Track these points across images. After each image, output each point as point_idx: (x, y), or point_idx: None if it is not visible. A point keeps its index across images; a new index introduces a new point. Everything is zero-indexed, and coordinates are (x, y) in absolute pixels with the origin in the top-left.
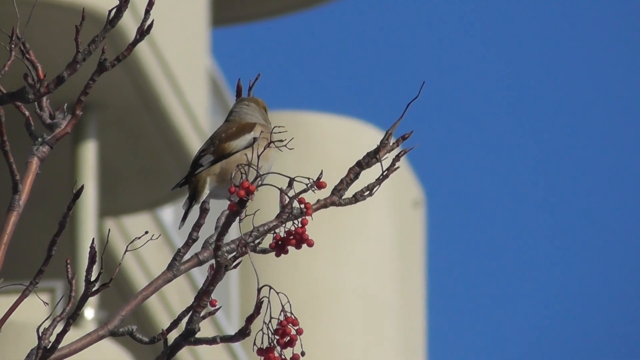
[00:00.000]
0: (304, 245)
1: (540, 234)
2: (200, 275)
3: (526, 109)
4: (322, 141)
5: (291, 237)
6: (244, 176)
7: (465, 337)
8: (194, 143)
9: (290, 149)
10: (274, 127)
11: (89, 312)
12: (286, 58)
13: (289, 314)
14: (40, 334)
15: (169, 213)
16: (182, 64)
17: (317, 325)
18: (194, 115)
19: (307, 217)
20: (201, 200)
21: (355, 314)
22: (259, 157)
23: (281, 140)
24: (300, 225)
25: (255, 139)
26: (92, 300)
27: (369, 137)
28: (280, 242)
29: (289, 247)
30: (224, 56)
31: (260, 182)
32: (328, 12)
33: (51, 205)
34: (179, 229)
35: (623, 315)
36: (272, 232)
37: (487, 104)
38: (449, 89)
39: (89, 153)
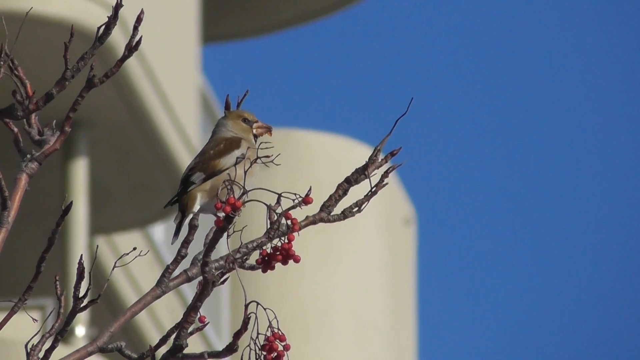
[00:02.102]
0: (295, 263)
1: (532, 251)
2: (190, 291)
3: (516, 125)
4: (312, 159)
5: (277, 253)
6: (230, 193)
7: (456, 354)
8: (185, 160)
9: (277, 164)
10: (261, 143)
11: (80, 330)
12: (276, 75)
13: (276, 330)
14: (29, 350)
15: (160, 230)
16: (173, 81)
17: (307, 342)
18: (184, 132)
19: (294, 233)
20: (192, 214)
21: (345, 332)
22: (245, 172)
23: (268, 156)
24: (286, 241)
25: (242, 155)
26: (83, 317)
27: (359, 154)
28: (266, 258)
29: (277, 264)
30: (214, 73)
31: (246, 199)
32: (317, 31)
33: (42, 222)
34: (172, 244)
35: (612, 318)
36: (260, 248)
37: (477, 120)
38: (438, 105)
39: (79, 170)
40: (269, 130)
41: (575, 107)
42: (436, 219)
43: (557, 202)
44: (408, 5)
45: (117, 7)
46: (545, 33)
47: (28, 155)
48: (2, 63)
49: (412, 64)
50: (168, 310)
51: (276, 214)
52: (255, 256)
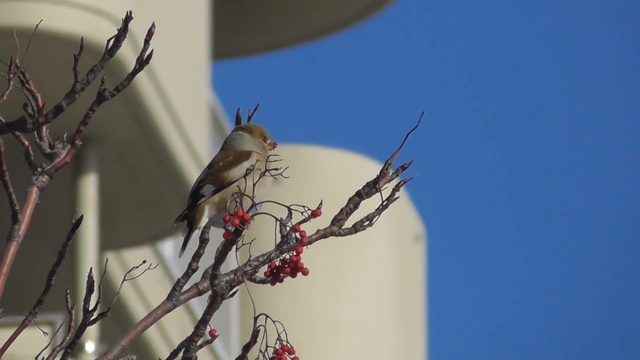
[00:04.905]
0: (304, 278)
1: (543, 268)
2: (199, 306)
3: (529, 142)
4: (322, 175)
5: (286, 265)
6: (238, 205)
7: None
8: (194, 176)
9: (286, 177)
10: (270, 156)
11: (90, 345)
12: (286, 92)
13: (284, 343)
14: None
15: (169, 246)
16: (183, 97)
17: (315, 357)
18: (194, 148)
19: (302, 246)
20: (200, 228)
21: (354, 348)
22: (254, 185)
23: (277, 169)
24: (295, 253)
25: (252, 167)
26: (93, 333)
27: (369, 170)
28: (275, 271)
29: (287, 278)
30: (224, 89)
31: (255, 211)
32: (327, 47)
33: (52, 240)
34: (179, 257)
35: (617, 317)
36: (270, 261)
37: (488, 137)
38: (448, 122)
39: (89, 186)
40: (274, 146)
41: (588, 122)
42: (446, 236)
43: (570, 220)
44: (416, 21)
45: (127, 19)
46: (567, 55)
47: (39, 169)
48: (11, 76)
49: (422, 80)
50: (177, 326)
51: (286, 227)
52: (265, 269)
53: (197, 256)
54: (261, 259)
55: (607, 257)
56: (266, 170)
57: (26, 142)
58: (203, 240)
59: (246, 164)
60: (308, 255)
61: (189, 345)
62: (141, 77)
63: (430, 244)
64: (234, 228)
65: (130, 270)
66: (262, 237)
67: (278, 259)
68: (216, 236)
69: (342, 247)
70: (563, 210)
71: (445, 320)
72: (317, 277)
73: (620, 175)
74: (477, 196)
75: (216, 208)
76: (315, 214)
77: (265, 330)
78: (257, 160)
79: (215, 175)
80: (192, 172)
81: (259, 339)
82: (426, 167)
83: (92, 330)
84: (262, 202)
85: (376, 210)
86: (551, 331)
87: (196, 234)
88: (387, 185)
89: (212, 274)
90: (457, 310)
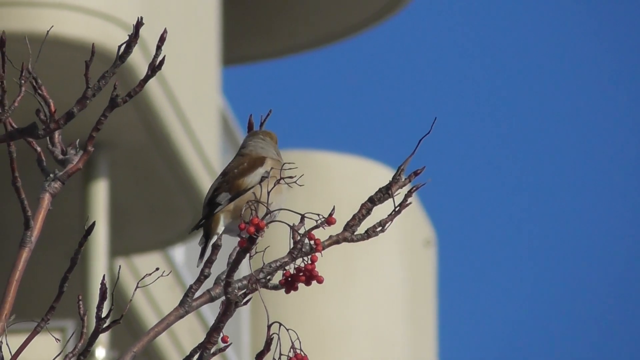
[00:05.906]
0: (315, 284)
1: (554, 273)
2: (211, 313)
3: (541, 147)
4: (332, 180)
5: (300, 273)
6: (253, 213)
7: None
8: (205, 182)
9: (300, 185)
10: (284, 164)
11: (100, 352)
12: (296, 97)
13: (298, 351)
14: None
15: (180, 252)
16: (193, 102)
17: None
18: (204, 154)
19: (317, 254)
20: (217, 235)
21: (364, 353)
22: (269, 193)
23: (291, 177)
24: (309, 261)
25: (267, 173)
26: (104, 339)
27: (380, 176)
28: (289, 279)
29: (299, 284)
30: (234, 95)
31: (270, 219)
32: (337, 52)
33: (62, 246)
34: (197, 267)
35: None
36: (283, 268)
37: (499, 142)
38: (459, 126)
39: (100, 192)
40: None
41: (601, 128)
42: (456, 241)
43: (582, 225)
44: (427, 26)
45: (138, 25)
46: (585, 61)
47: (51, 175)
48: (23, 82)
49: (433, 86)
50: (189, 332)
51: (299, 234)
52: (278, 276)
53: (209, 262)
54: (274, 265)
55: (618, 262)
56: (281, 177)
57: (38, 149)
58: (215, 247)
59: (261, 171)
60: (318, 261)
61: (202, 353)
62: (151, 82)
63: (440, 249)
64: (248, 236)
65: (143, 278)
66: (276, 244)
67: (292, 267)
68: (228, 242)
69: (352, 253)
70: (575, 215)
71: (456, 326)
72: (327, 283)
73: (633, 181)
74: (488, 201)
75: (232, 216)
76: (329, 221)
77: (278, 337)
78: (272, 168)
79: (230, 182)
80: (203, 178)
81: (272, 347)
82: (437, 172)
83: (103, 337)
84: (278, 210)
85: (389, 216)
86: (563, 337)
87: (211, 242)
88: (399, 191)
89: (226, 281)
90: (467, 315)
